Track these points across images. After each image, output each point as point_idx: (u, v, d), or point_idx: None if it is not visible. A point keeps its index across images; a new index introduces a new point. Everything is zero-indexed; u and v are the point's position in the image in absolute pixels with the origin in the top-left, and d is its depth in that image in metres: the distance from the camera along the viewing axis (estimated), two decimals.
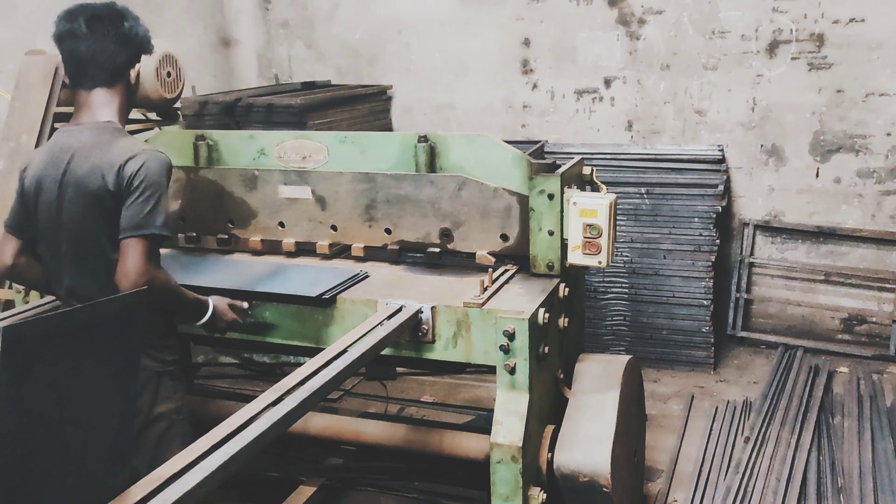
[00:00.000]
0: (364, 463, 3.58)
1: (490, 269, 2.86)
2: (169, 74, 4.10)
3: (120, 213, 2.31)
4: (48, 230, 2.43)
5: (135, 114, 3.72)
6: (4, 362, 1.34)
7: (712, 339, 4.84)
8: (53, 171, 2.38)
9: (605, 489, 2.60)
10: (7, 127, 3.98)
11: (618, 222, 4.79)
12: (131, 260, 2.26)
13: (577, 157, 3.02)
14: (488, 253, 2.99)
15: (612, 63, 5.24)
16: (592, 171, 2.98)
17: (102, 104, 2.42)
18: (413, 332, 2.67)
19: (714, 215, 4.79)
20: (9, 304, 3.34)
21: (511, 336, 2.48)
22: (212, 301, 2.56)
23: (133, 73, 2.46)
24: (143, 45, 2.48)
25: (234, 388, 4.42)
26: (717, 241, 4.82)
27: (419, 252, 3.11)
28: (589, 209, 2.71)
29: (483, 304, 2.61)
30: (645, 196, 4.91)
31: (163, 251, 3.28)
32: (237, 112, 4.80)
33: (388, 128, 5.76)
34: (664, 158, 5.01)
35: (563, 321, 2.81)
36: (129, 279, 2.25)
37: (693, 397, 4.48)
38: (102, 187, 2.30)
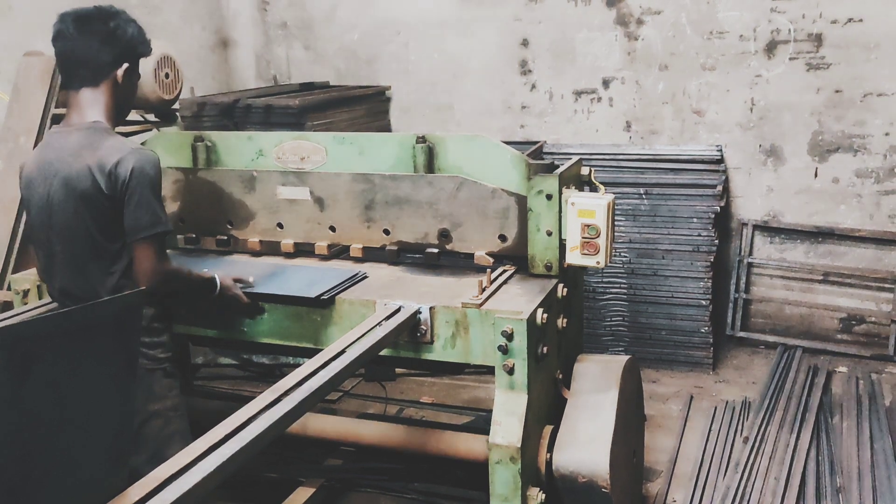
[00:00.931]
0: (363, 464, 3.58)
1: (488, 270, 2.86)
2: (167, 76, 4.10)
3: (112, 213, 2.36)
4: (40, 231, 2.46)
5: (133, 115, 3.72)
6: (3, 363, 1.34)
7: (711, 340, 4.83)
8: (43, 173, 2.41)
9: (603, 489, 2.60)
10: (5, 128, 3.98)
11: (617, 223, 4.80)
12: (147, 261, 2.38)
13: (576, 158, 3.01)
14: (486, 253, 2.98)
15: (611, 63, 5.23)
16: (591, 171, 2.98)
17: (89, 104, 2.45)
18: (411, 332, 2.67)
19: (713, 215, 4.79)
20: (7, 306, 3.34)
21: (509, 336, 2.48)
22: (218, 276, 2.67)
23: (120, 73, 2.47)
24: (131, 46, 2.49)
25: (233, 390, 4.42)
26: (716, 241, 4.81)
27: (418, 253, 3.10)
28: (587, 209, 2.70)
29: (481, 304, 2.61)
30: (644, 196, 4.90)
31: None
32: (236, 113, 4.79)
33: (386, 129, 5.75)
34: (663, 159, 5.00)
35: (561, 321, 2.81)
36: (148, 278, 2.38)
37: (692, 397, 4.48)
38: (94, 188, 2.32)
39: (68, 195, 2.36)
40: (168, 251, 3.27)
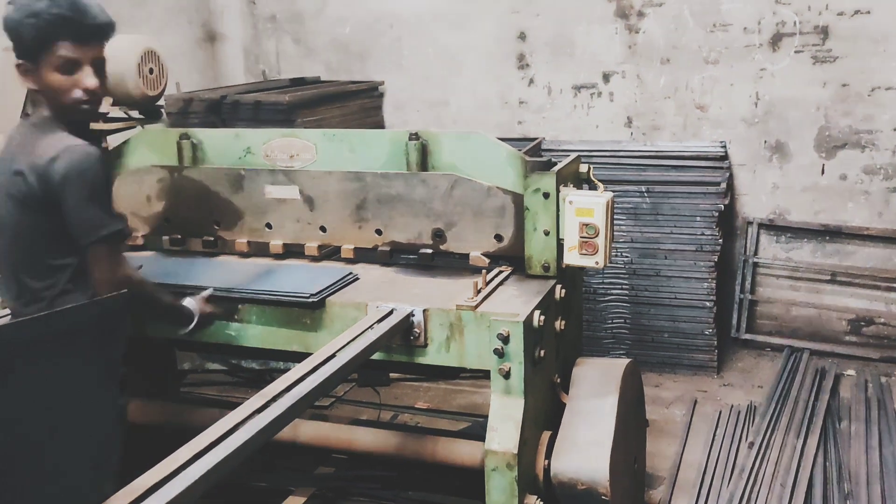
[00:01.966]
0: (356, 472, 3.53)
1: (484, 271, 2.83)
2: (151, 71, 4.01)
3: (54, 216, 2.21)
4: None
5: (116, 112, 3.63)
6: None
7: (715, 342, 4.79)
8: None
9: (603, 497, 2.57)
10: None
11: (618, 222, 4.77)
12: (100, 267, 2.24)
13: (574, 155, 2.99)
14: (482, 254, 2.95)
15: (611, 57, 5.19)
16: (589, 168, 2.96)
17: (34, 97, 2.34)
18: (404, 335, 2.65)
19: (716, 214, 4.75)
20: None
21: (505, 339, 2.46)
22: (194, 306, 2.55)
23: (19, 62, 2.26)
24: (51, 24, 2.21)
25: (220, 396, 4.41)
26: (720, 240, 4.77)
27: (411, 253, 3.08)
28: (585, 208, 2.68)
29: (476, 306, 2.59)
30: (645, 194, 4.87)
31: (146, 253, 3.25)
32: (223, 110, 4.80)
33: (379, 125, 5.73)
34: (665, 155, 4.96)
35: (559, 324, 2.79)
36: (105, 285, 2.21)
37: (696, 402, 4.44)
38: (30, 191, 2.20)
39: (8, 200, 2.25)
40: (153, 253, 3.24)
